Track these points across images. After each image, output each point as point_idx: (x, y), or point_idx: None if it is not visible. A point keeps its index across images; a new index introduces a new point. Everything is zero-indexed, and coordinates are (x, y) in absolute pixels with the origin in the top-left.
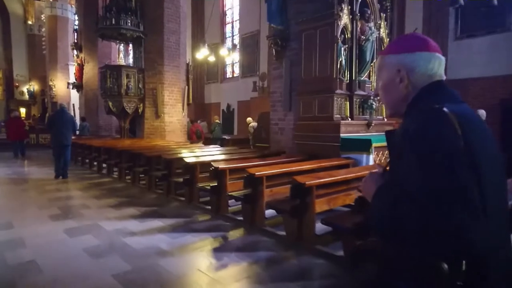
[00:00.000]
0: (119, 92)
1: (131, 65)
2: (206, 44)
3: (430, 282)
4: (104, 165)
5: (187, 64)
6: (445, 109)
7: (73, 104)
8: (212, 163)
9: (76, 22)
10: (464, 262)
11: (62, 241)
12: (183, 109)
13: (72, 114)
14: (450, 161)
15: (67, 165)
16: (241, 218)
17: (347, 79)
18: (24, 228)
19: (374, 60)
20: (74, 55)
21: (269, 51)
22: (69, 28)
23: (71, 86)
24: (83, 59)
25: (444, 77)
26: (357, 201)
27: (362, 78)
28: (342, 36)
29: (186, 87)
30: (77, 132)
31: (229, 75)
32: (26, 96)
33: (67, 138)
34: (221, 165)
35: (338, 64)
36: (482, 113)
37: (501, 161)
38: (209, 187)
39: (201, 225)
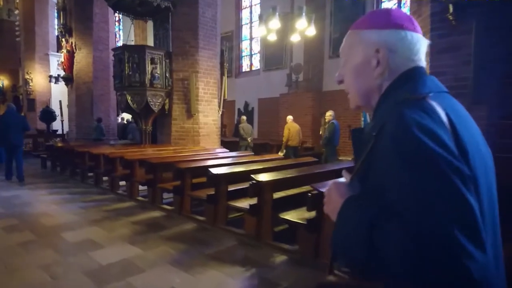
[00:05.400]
0: (141, 83)
1: None
2: (277, 14)
3: None
4: (141, 186)
5: (222, 50)
6: (430, 100)
7: (60, 101)
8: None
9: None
10: None
11: None
12: (220, 107)
13: (59, 113)
14: (444, 164)
15: (21, 167)
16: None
17: None
18: None
19: None
20: (63, 40)
21: (432, 10)
22: (49, 10)
23: (53, 80)
24: (73, 45)
25: (425, 65)
26: (309, 199)
27: None
28: None
29: (224, 77)
30: (65, 135)
31: (245, 68)
32: None
33: (17, 139)
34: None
35: None
36: None
37: (491, 164)
38: None
39: None
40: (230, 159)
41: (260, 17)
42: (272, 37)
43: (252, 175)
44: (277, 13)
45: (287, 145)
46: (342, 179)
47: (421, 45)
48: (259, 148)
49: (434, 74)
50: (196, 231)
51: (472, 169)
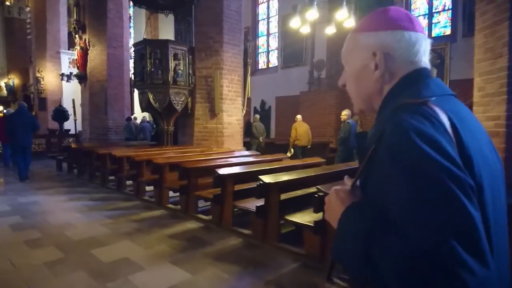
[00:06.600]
0: (164, 80)
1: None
2: (315, 3)
3: None
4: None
5: (246, 47)
6: (432, 105)
7: (73, 100)
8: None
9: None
10: None
11: None
12: (243, 105)
13: (72, 112)
14: (444, 173)
15: (28, 166)
16: None
17: None
18: None
19: None
20: (76, 37)
21: None
22: (60, 8)
23: (65, 78)
24: (87, 41)
25: (429, 66)
26: (315, 200)
27: None
28: None
29: (248, 75)
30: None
31: (262, 65)
32: (5, 92)
33: (26, 139)
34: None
35: None
36: None
37: (502, 174)
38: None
39: None
40: (270, 163)
41: (294, 8)
42: (305, 30)
43: (318, 187)
44: (315, 3)
45: (294, 144)
46: (341, 186)
47: (420, 45)
48: (281, 148)
49: None
50: (245, 248)
51: (477, 178)
